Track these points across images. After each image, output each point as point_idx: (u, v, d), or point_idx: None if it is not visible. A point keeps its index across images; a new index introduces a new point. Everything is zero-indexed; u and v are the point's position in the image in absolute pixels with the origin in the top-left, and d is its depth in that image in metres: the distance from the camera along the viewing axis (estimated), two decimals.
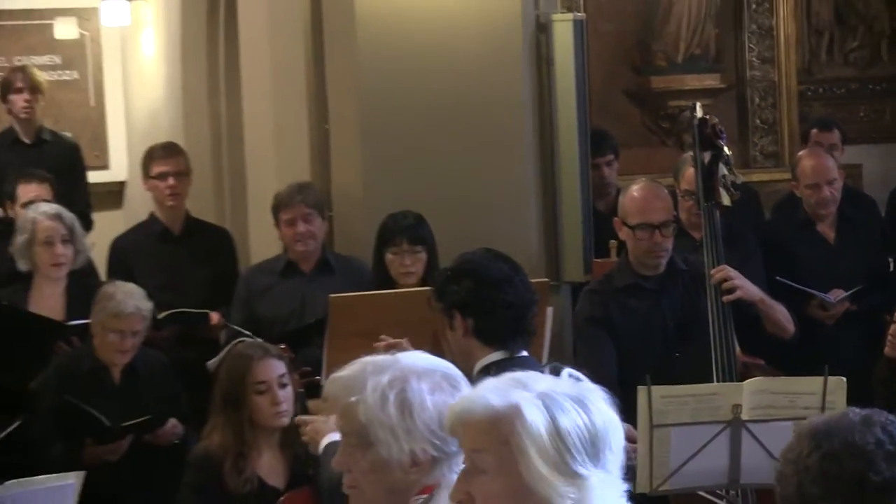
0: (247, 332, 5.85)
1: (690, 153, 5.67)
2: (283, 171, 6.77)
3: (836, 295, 6.25)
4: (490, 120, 6.26)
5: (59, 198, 6.59)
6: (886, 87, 9.16)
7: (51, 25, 9.68)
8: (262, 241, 6.71)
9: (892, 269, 6.67)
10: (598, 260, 6.33)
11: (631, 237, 5.35)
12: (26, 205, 6.54)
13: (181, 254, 6.67)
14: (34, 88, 7.81)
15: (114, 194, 9.60)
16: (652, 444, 4.48)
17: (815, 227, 6.48)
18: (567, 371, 2.40)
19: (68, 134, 8.65)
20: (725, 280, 5.21)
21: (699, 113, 5.41)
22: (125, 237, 6.87)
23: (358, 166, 6.30)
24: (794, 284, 6.08)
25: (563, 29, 6.40)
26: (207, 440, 4.96)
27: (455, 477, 2.47)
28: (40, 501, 4.59)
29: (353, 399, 2.91)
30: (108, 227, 7.90)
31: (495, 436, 2.27)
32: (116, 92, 9.75)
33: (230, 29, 8.02)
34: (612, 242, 6.21)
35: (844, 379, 4.56)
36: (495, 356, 4.02)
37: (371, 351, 3.07)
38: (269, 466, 4.93)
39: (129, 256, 6.64)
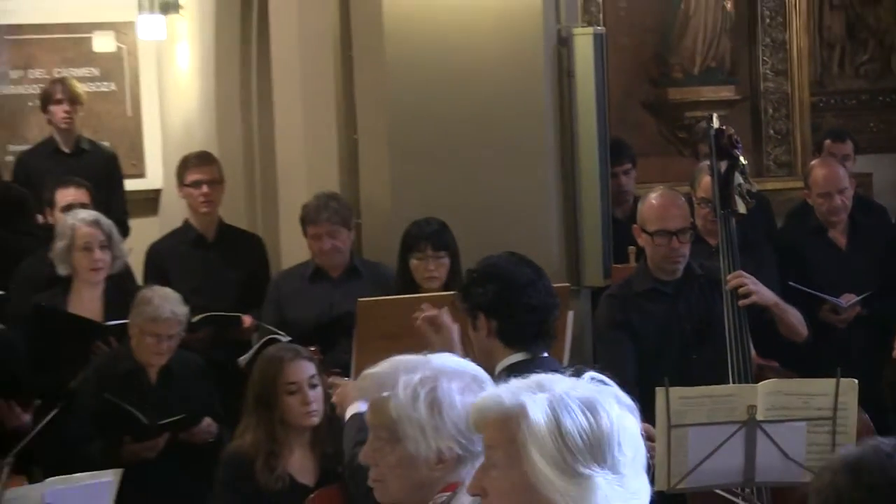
0: (279, 332, 5.86)
1: (707, 162, 5.67)
2: (313, 179, 6.78)
3: (848, 299, 6.24)
4: (513, 130, 6.26)
5: (97, 205, 6.60)
6: None
7: (89, 39, 9.70)
8: (292, 247, 6.72)
9: None
10: (618, 265, 6.32)
11: (649, 243, 5.35)
12: (65, 209, 6.56)
13: (214, 259, 6.69)
14: (73, 99, 7.83)
15: (150, 201, 9.61)
16: (670, 443, 4.47)
17: (827, 234, 6.46)
18: (589, 374, 2.39)
19: (106, 143, 8.69)
20: (741, 285, 5.19)
21: (716, 124, 5.40)
22: (161, 243, 6.88)
23: (385, 175, 6.31)
24: (806, 289, 6.06)
25: (583, 43, 6.40)
26: (240, 439, 4.96)
27: None
28: (80, 498, 4.60)
29: (385, 394, 2.91)
30: (144, 233, 7.92)
31: (505, 433, 2.27)
32: (152, 103, 9.77)
33: (262, 43, 8.04)
34: (631, 248, 6.20)
35: (856, 381, 4.55)
36: (517, 357, 4.01)
37: (397, 352, 3.06)
38: (300, 464, 4.93)
39: (164, 261, 6.66)
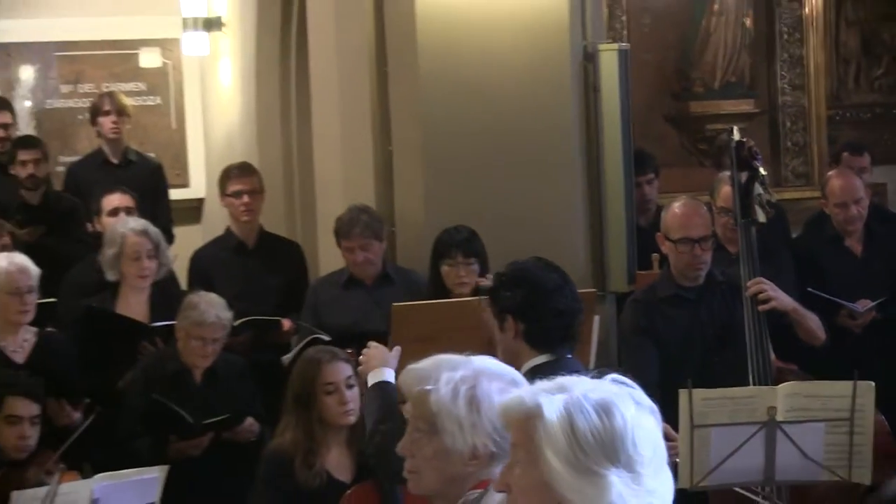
0: (320, 332, 5.87)
1: (726, 172, 5.65)
2: (349, 189, 6.80)
3: (864, 305, 6.22)
4: (541, 142, 6.26)
5: (142, 213, 6.62)
6: None
7: (136, 55, 9.74)
8: (329, 253, 6.72)
9: None
10: (642, 272, 6.31)
11: (673, 251, 5.34)
12: (111, 213, 6.59)
13: (255, 265, 6.70)
14: (121, 111, 7.87)
15: (193, 210, 9.64)
16: (693, 443, 4.46)
17: (844, 242, 6.45)
18: (611, 375, 2.39)
19: (152, 155, 8.72)
20: (761, 291, 5.18)
21: (737, 136, 5.39)
22: (204, 250, 6.90)
23: (419, 185, 6.31)
24: (824, 295, 6.04)
25: (608, 58, 6.39)
26: (280, 437, 4.97)
27: None
28: (128, 493, 4.62)
29: (426, 388, 2.91)
30: (187, 240, 7.94)
31: (525, 432, 2.25)
32: (196, 116, 9.80)
33: (301, 58, 8.06)
34: (654, 255, 6.19)
35: (873, 384, 4.53)
36: (541, 359, 4.01)
37: (430, 355, 3.06)
38: (337, 462, 4.93)
39: (207, 268, 6.67)
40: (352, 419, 4.91)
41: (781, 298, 5.24)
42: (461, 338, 4.80)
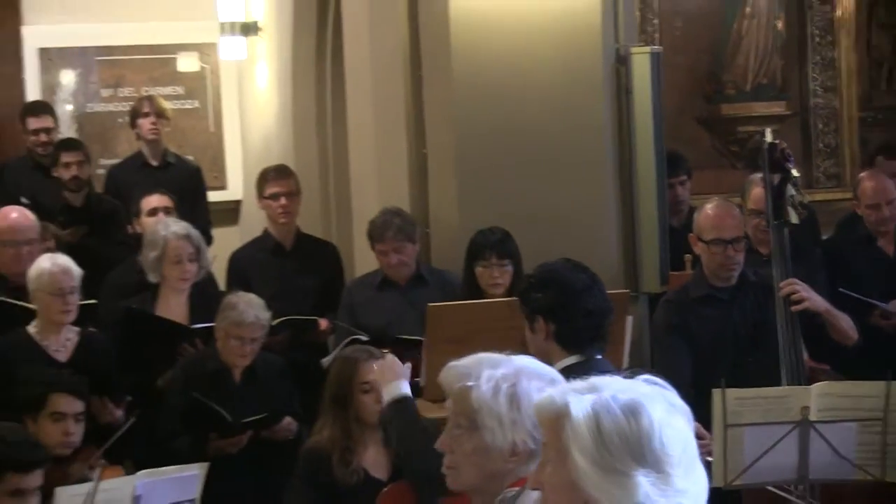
0: (359, 332, 5.88)
1: (757, 174, 5.63)
2: (384, 191, 6.81)
3: None
4: (574, 144, 6.25)
5: (181, 215, 6.65)
6: None
7: (174, 59, 9.80)
8: (365, 254, 6.74)
9: None
10: (674, 272, 6.30)
11: (706, 251, 5.32)
12: (150, 213, 6.62)
13: (292, 266, 6.71)
14: (160, 114, 7.92)
15: (231, 212, 9.68)
16: (726, 442, 4.45)
17: (876, 243, 6.42)
18: (644, 376, 2.38)
19: (190, 157, 8.76)
20: (793, 292, 5.16)
21: (769, 138, 5.37)
22: (242, 251, 6.92)
23: (453, 187, 6.32)
24: (856, 295, 6.01)
25: (640, 61, 6.38)
26: (318, 436, 4.99)
27: None
28: (168, 489, 4.64)
29: (468, 384, 2.92)
30: (225, 241, 7.98)
31: (555, 431, 2.24)
32: (233, 119, 9.84)
33: (337, 63, 8.08)
34: (687, 256, 6.17)
35: None
36: (572, 359, 4.01)
37: (465, 354, 3.06)
38: (374, 460, 4.95)
39: (245, 268, 6.69)
40: None
41: (814, 299, 5.21)
42: (495, 338, 4.79)
